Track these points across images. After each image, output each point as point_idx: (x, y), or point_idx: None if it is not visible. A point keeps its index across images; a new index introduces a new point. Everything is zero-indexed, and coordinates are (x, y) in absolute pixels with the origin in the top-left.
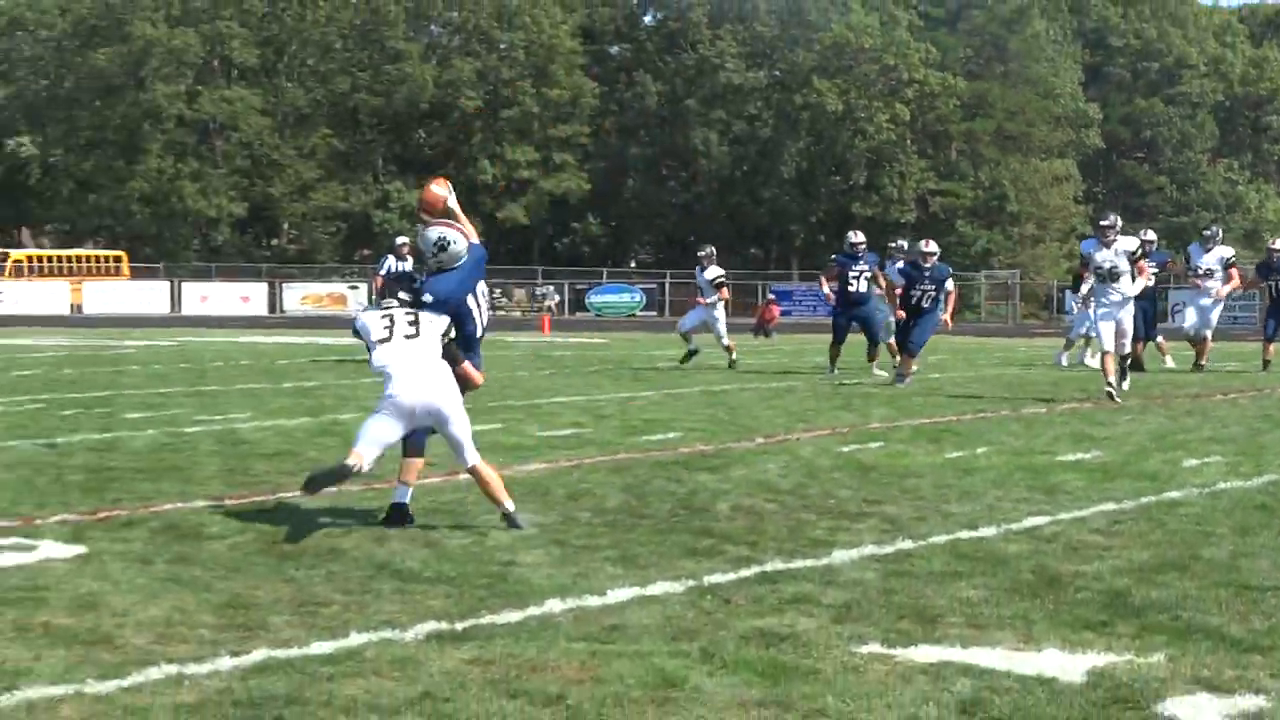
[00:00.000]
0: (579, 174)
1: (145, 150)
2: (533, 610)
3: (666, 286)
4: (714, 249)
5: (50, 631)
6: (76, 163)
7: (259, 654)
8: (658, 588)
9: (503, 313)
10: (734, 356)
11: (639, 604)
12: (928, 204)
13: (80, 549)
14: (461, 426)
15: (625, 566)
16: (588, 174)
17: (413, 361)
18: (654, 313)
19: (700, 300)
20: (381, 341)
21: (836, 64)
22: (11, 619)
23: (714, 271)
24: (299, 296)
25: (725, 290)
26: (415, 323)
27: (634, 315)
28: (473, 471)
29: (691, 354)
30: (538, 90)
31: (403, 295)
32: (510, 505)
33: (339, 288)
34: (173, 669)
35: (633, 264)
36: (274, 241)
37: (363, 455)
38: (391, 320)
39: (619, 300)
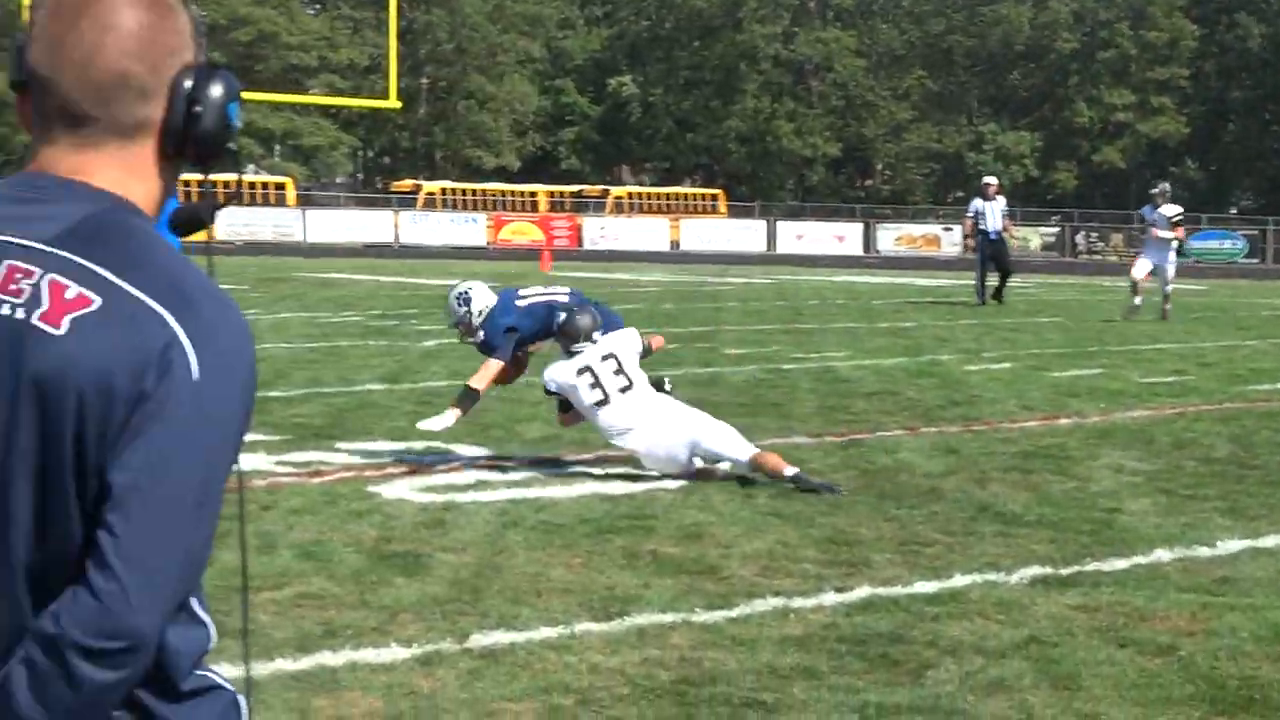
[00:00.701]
0: (1177, 117)
1: (742, 90)
2: (1139, 559)
3: (1269, 234)
4: (1168, 186)
5: (658, 559)
6: (675, 102)
7: (863, 591)
8: (1269, 540)
9: (1099, 257)
10: (1168, 307)
11: (1250, 556)
12: None
13: (686, 481)
14: (713, 437)
15: (1234, 518)
16: (1186, 117)
17: (645, 424)
18: (1256, 260)
19: (1155, 233)
20: (600, 405)
21: None
22: (620, 545)
23: (1173, 209)
24: (893, 237)
25: (1180, 230)
26: (620, 369)
27: (1234, 262)
28: (751, 463)
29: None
30: (1135, 32)
31: (585, 327)
32: (791, 470)
33: (933, 229)
34: (778, 601)
35: (1233, 210)
36: (867, 182)
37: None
38: (594, 376)
39: (1219, 247)
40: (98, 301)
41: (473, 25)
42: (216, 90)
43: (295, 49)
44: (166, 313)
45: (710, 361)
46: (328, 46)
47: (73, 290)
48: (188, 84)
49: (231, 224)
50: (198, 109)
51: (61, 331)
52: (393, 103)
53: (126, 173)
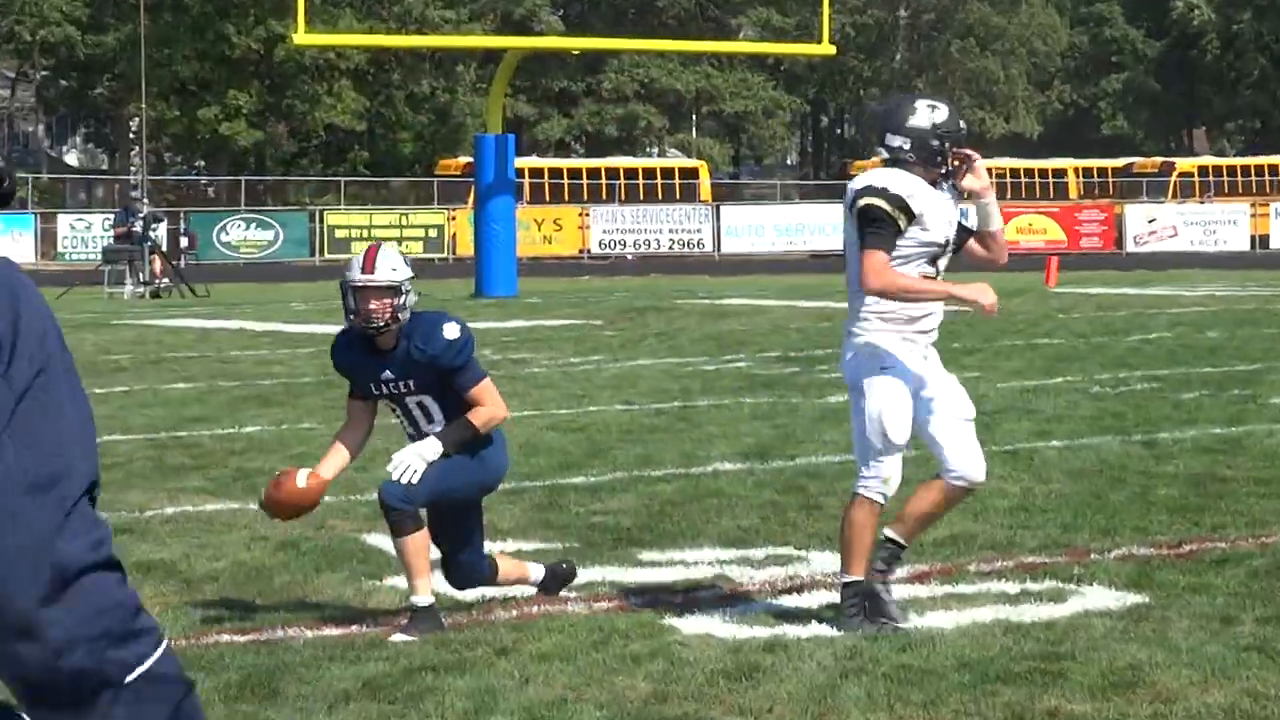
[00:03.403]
0: None
1: None
2: None
3: None
4: None
5: None
6: (1271, 31)
7: None
8: None
9: None
10: None
11: None
12: None
13: (1137, 598)
14: None
15: None
16: None
17: None
18: None
19: None
20: None
21: None
22: (1006, 702)
23: None
24: None
25: None
26: None
27: None
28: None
29: None
30: None
31: None
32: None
33: None
34: None
35: None
36: None
37: None
38: None
39: None
40: None
41: None
42: None
43: None
44: None
45: (1240, 417)
46: None
47: None
48: None
49: (608, 230)
50: None
51: None
52: (825, 49)
53: None
